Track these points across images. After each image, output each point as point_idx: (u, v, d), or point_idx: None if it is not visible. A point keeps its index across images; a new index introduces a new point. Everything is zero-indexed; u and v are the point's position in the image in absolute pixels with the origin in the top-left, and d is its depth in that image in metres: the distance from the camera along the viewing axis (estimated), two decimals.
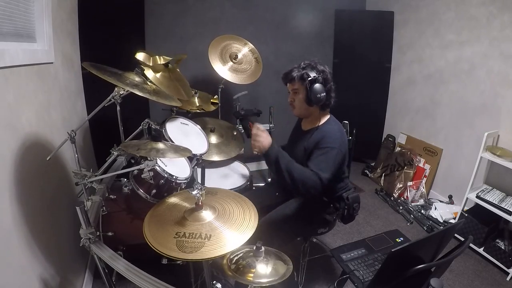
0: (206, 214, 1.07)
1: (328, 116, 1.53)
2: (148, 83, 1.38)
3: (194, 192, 1.06)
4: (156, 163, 1.26)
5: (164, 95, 1.39)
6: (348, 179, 1.62)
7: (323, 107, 1.48)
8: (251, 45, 2.36)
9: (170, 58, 1.68)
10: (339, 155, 1.38)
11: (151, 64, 1.59)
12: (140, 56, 1.60)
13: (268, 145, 1.35)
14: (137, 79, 1.30)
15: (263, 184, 2.93)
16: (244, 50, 2.32)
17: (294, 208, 1.56)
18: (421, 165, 2.91)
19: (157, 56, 1.64)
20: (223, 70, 2.14)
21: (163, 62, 1.64)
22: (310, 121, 1.55)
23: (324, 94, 1.40)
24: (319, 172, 1.30)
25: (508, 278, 1.93)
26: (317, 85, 1.39)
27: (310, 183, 1.29)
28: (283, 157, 1.34)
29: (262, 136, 1.37)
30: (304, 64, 1.45)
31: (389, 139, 3.33)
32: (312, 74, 1.39)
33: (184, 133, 1.76)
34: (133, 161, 1.70)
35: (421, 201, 2.78)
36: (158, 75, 1.63)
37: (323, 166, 1.33)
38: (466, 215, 2.20)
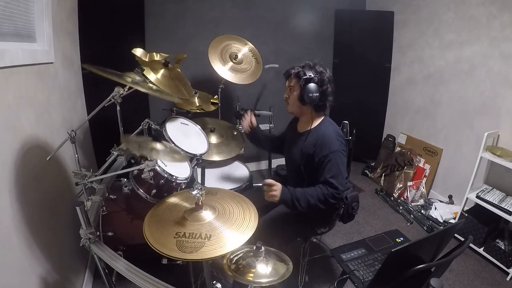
0: (206, 214, 1.07)
1: (322, 118, 1.53)
2: (148, 82, 1.38)
3: (194, 192, 1.06)
4: (156, 163, 1.26)
5: (166, 92, 1.39)
6: (347, 179, 1.62)
7: (316, 108, 1.48)
8: (251, 45, 2.36)
9: (167, 55, 1.67)
10: (343, 155, 1.41)
11: (147, 60, 1.57)
12: (137, 52, 1.59)
13: (280, 192, 1.37)
14: (137, 78, 1.30)
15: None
16: (244, 50, 2.32)
17: None
18: (421, 165, 2.91)
19: (154, 53, 1.63)
20: (223, 70, 2.14)
21: (159, 59, 1.63)
22: (305, 123, 1.55)
23: (318, 94, 1.41)
24: (330, 180, 1.36)
25: (508, 278, 1.93)
26: (311, 85, 1.40)
27: (324, 197, 1.36)
28: (296, 193, 1.38)
29: (274, 189, 1.37)
30: (305, 63, 1.45)
31: (389, 139, 3.33)
32: (309, 73, 1.41)
33: (184, 133, 1.75)
34: (133, 161, 1.70)
35: (421, 201, 2.78)
36: (158, 74, 1.62)
37: (334, 173, 1.37)
38: (466, 215, 2.20)
